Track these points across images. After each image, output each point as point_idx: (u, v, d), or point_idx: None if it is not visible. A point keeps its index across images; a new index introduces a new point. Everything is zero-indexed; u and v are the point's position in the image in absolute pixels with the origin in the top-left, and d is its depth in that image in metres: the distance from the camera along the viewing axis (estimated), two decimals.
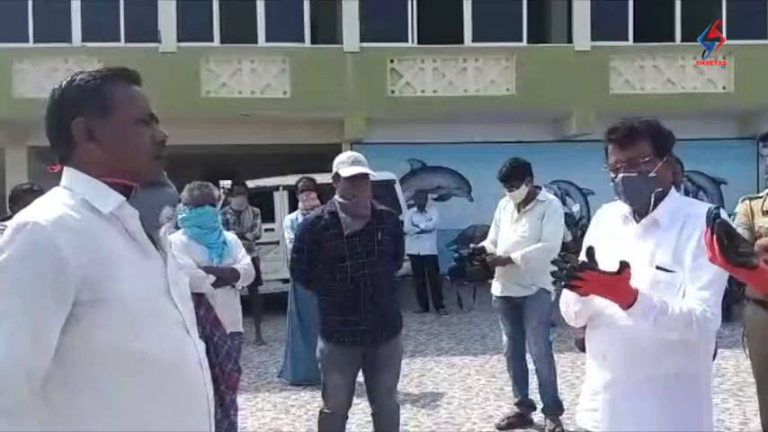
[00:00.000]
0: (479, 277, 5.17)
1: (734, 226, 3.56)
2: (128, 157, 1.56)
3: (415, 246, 9.97)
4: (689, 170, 9.02)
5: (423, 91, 12.75)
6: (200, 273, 3.93)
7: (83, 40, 12.61)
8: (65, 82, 1.58)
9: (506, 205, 5.15)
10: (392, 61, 12.71)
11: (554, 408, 4.99)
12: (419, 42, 13.12)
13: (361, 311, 3.71)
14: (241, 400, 4.78)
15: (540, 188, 5.11)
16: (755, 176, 13.27)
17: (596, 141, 2.43)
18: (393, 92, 12.69)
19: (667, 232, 2.22)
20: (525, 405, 5.19)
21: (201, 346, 1.65)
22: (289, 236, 6.54)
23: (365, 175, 3.74)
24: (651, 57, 13.02)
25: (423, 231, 10.34)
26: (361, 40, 12.57)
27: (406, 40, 13.20)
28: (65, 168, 1.57)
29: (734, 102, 12.82)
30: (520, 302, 5.00)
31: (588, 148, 10.95)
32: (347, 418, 3.94)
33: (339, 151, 6.42)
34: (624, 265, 2.02)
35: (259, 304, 8.51)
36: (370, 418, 4.06)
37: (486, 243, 5.19)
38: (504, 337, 5.25)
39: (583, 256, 2.13)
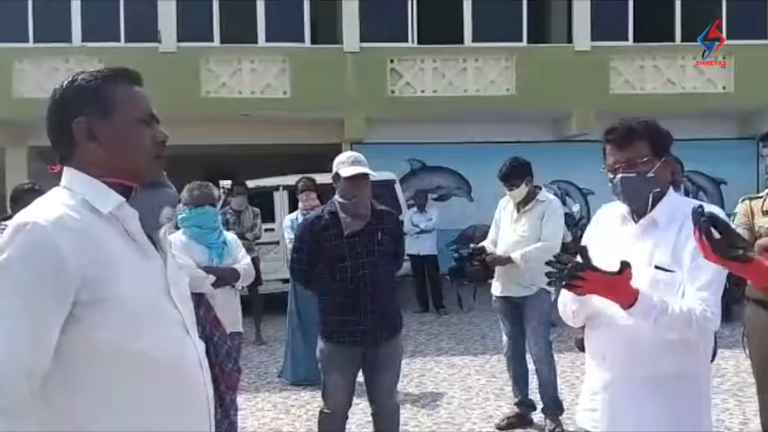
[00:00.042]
0: (479, 277, 5.18)
1: (734, 226, 3.57)
2: (128, 157, 1.56)
3: (414, 246, 9.97)
4: (689, 170, 9.02)
5: (423, 91, 12.75)
6: (200, 273, 3.93)
7: (83, 40, 12.61)
8: (66, 82, 1.59)
9: (506, 205, 5.16)
10: (392, 61, 12.72)
11: (554, 408, 4.99)
12: (419, 42, 13.12)
13: (361, 311, 3.71)
14: (241, 400, 4.78)
15: (540, 188, 5.11)
16: (755, 176, 13.27)
17: (596, 141, 2.44)
18: (393, 92, 12.69)
19: (666, 232, 2.22)
20: (525, 405, 5.20)
21: (201, 346, 1.65)
22: (288, 236, 6.54)
23: (365, 175, 3.74)
24: (651, 57, 13.02)
25: (423, 231, 10.35)
26: (361, 40, 12.57)
27: (406, 40, 13.21)
28: (65, 168, 1.57)
29: (734, 102, 12.82)
30: (520, 302, 5.00)
31: (588, 148, 10.94)
32: (347, 418, 3.94)
33: (339, 151, 6.42)
34: (625, 265, 2.02)
35: (259, 304, 8.51)
36: (370, 418, 4.06)
37: (485, 243, 5.19)
38: (504, 337, 5.25)
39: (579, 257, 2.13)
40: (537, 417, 5.16)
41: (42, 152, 11.27)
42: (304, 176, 7.09)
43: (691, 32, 12.26)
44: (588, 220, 3.29)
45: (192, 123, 10.82)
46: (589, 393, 2.37)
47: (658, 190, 2.26)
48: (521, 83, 12.60)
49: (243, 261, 4.29)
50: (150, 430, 1.50)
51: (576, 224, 10.37)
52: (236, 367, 3.99)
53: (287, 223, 6.89)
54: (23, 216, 1.45)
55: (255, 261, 6.97)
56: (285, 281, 7.67)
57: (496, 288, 5.12)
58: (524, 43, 13.30)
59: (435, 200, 13.01)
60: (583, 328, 2.44)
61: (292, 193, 8.64)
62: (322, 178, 6.69)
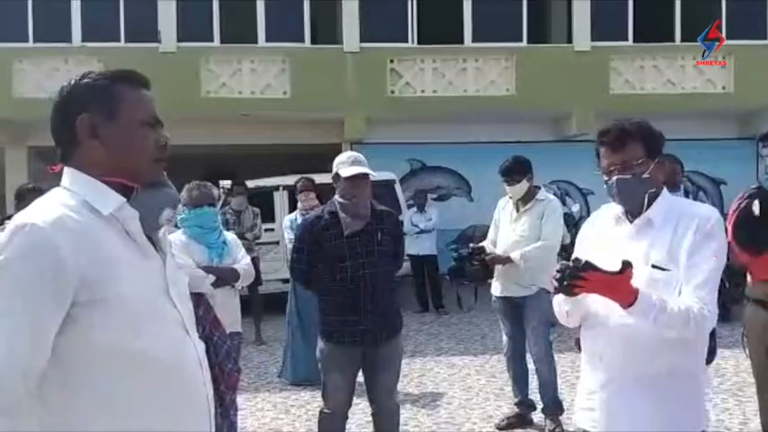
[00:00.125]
0: (479, 277, 5.18)
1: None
2: (130, 158, 1.57)
3: (414, 246, 9.97)
4: (689, 170, 9.03)
5: (423, 91, 12.75)
6: (199, 272, 3.93)
7: (83, 40, 12.62)
8: (74, 79, 1.59)
9: (505, 205, 5.16)
10: (392, 61, 12.72)
11: (554, 408, 4.99)
12: (419, 42, 13.12)
13: (361, 311, 3.71)
14: (241, 400, 4.78)
15: (540, 188, 5.12)
16: (755, 177, 13.17)
17: (596, 142, 2.44)
18: (393, 92, 12.69)
19: (661, 232, 2.24)
20: (525, 405, 5.20)
21: (201, 346, 1.65)
22: (288, 236, 6.54)
23: (365, 175, 3.74)
24: (651, 57, 13.02)
25: (422, 231, 10.35)
26: (361, 40, 12.58)
27: (406, 41, 13.21)
28: (65, 168, 1.57)
29: (734, 102, 12.82)
30: (520, 302, 5.00)
31: (588, 148, 10.83)
32: (347, 418, 3.94)
33: (339, 151, 6.42)
34: (626, 265, 2.03)
35: (259, 304, 8.51)
36: (370, 418, 4.06)
37: (485, 243, 5.20)
38: (504, 338, 5.25)
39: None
40: (537, 417, 5.16)
41: (42, 152, 11.27)
42: (303, 176, 7.09)
43: (691, 32, 12.27)
44: None
45: (192, 123, 10.82)
46: (586, 393, 2.37)
47: (653, 190, 2.28)
48: (521, 83, 12.60)
49: (243, 261, 4.29)
50: (150, 430, 1.50)
51: (576, 224, 10.37)
52: (236, 367, 3.99)
53: (286, 223, 6.89)
54: (22, 217, 1.45)
55: (255, 261, 6.97)
56: (285, 281, 7.66)
57: (496, 288, 5.12)
58: (524, 43, 13.30)
59: (435, 200, 13.01)
60: (579, 328, 2.45)
61: (292, 193, 8.63)
62: (322, 178, 6.69)
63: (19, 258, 1.40)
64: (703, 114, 13.00)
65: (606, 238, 2.34)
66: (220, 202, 8.01)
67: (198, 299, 3.61)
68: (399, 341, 3.97)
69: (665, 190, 2.34)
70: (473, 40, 13.17)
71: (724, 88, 12.96)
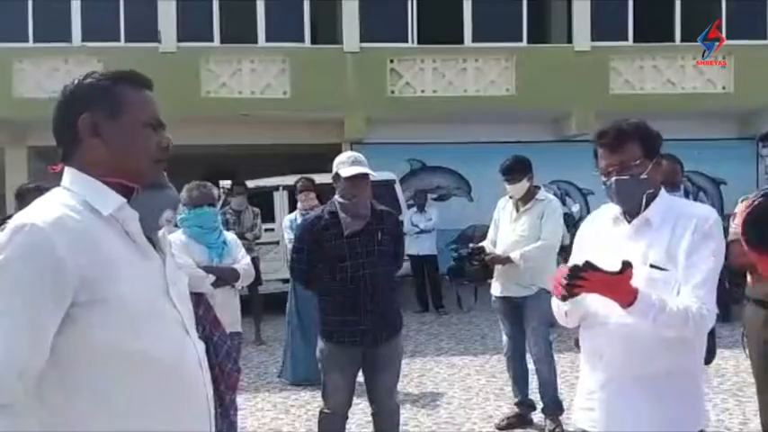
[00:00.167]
0: (479, 277, 5.18)
1: (733, 226, 3.58)
2: (131, 158, 1.57)
3: (414, 246, 9.97)
4: (689, 170, 9.01)
5: (423, 91, 12.76)
6: (199, 272, 3.93)
7: (83, 40, 12.62)
8: (77, 79, 1.60)
9: (505, 205, 5.16)
10: (392, 61, 12.72)
11: (554, 408, 4.99)
12: (419, 42, 13.12)
13: (361, 311, 3.71)
14: (241, 400, 4.78)
15: (539, 188, 5.12)
16: (755, 177, 13.27)
17: (594, 142, 2.45)
18: (393, 92, 12.70)
19: (659, 232, 2.25)
20: (525, 405, 5.20)
21: (201, 346, 1.65)
22: (288, 236, 6.54)
23: (365, 175, 3.75)
24: (651, 57, 13.02)
25: (422, 231, 10.35)
26: (361, 40, 12.58)
27: (406, 41, 13.21)
28: (66, 168, 1.57)
29: (734, 102, 12.82)
30: (519, 302, 5.00)
31: (588, 148, 10.81)
32: (347, 418, 3.94)
33: (339, 151, 6.42)
34: (627, 265, 2.04)
35: (259, 304, 8.52)
36: (370, 418, 4.06)
37: (485, 243, 5.20)
38: (504, 338, 5.25)
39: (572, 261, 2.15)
40: (537, 417, 5.17)
41: (42, 152, 11.28)
42: (303, 177, 7.09)
43: (691, 32, 12.28)
44: None
45: (192, 123, 10.81)
46: (585, 393, 2.38)
47: (651, 191, 2.29)
48: (521, 83, 12.61)
49: (243, 261, 4.29)
50: (150, 430, 1.50)
51: (576, 224, 10.36)
52: (236, 367, 3.99)
53: (286, 223, 6.89)
54: (22, 217, 1.45)
55: (255, 261, 6.97)
56: (285, 281, 7.67)
57: (496, 288, 5.12)
58: (524, 43, 13.30)
59: (435, 200, 13.01)
60: (578, 328, 2.45)
61: (292, 193, 8.63)
62: (322, 178, 6.69)
63: (18, 258, 1.40)
64: (703, 114, 13.00)
65: (604, 238, 2.35)
66: (220, 202, 8.01)
67: (198, 299, 3.61)
68: (399, 341, 3.97)
69: (662, 190, 2.35)
70: (473, 40, 13.17)
71: (724, 88, 12.96)
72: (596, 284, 2.06)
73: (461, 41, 13.16)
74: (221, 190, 9.97)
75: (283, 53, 12.62)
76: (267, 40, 12.92)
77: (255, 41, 12.89)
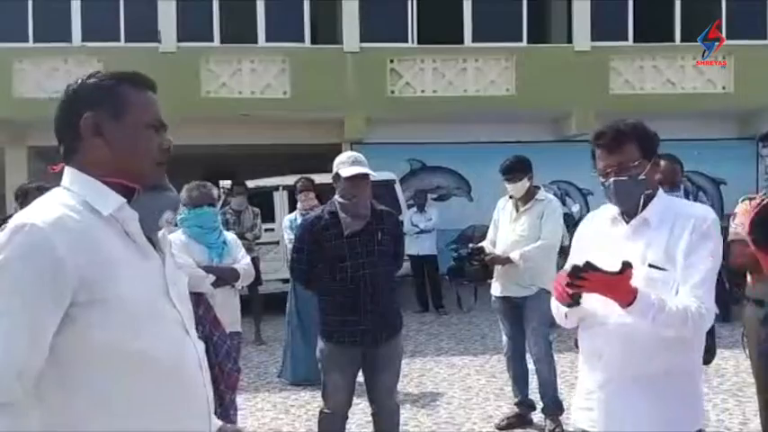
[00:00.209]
0: (478, 277, 5.18)
1: (733, 226, 3.58)
2: (133, 159, 1.57)
3: (414, 246, 9.97)
4: (689, 170, 9.01)
5: (423, 91, 12.76)
6: (199, 272, 3.93)
7: (83, 40, 12.62)
8: (81, 79, 1.59)
9: (505, 205, 5.16)
10: (392, 61, 12.72)
11: (554, 408, 4.99)
12: (419, 42, 13.12)
13: (361, 311, 3.71)
14: (241, 400, 4.79)
15: (539, 188, 5.12)
16: (755, 177, 13.27)
17: (591, 143, 2.45)
18: (393, 92, 12.70)
19: (657, 232, 2.26)
20: (525, 405, 5.20)
21: (201, 346, 1.65)
22: (288, 236, 6.54)
23: (365, 175, 3.75)
24: (651, 57, 13.03)
25: (422, 231, 10.35)
26: (361, 40, 12.58)
27: (406, 40, 13.21)
28: (66, 168, 1.57)
29: (734, 102, 12.83)
30: (519, 303, 5.00)
31: (588, 148, 10.87)
32: (347, 418, 3.95)
33: (339, 151, 6.42)
34: (627, 266, 2.05)
35: (259, 304, 8.52)
36: (370, 418, 4.06)
37: (485, 243, 5.20)
38: (504, 338, 5.25)
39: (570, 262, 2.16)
40: (537, 417, 5.17)
41: (42, 152, 11.27)
42: (302, 177, 7.09)
43: (691, 32, 12.27)
44: None
45: (192, 123, 10.81)
46: (584, 393, 2.39)
47: (650, 191, 2.30)
48: (521, 83, 12.61)
49: (243, 261, 4.29)
50: (149, 430, 1.50)
51: (576, 224, 10.35)
52: (236, 367, 3.99)
53: (286, 223, 6.89)
54: (21, 217, 1.45)
55: (255, 261, 6.97)
56: (285, 281, 7.67)
57: (496, 288, 5.12)
58: (524, 43, 13.30)
59: (435, 200, 13.01)
60: (577, 328, 2.46)
61: (292, 193, 8.64)
62: (322, 178, 6.69)
63: (18, 258, 1.40)
64: (703, 114, 13.01)
65: (603, 238, 2.36)
66: (220, 202, 8.01)
67: (198, 298, 3.61)
68: (399, 341, 3.97)
69: (660, 190, 2.36)
70: (473, 40, 13.17)
71: (724, 88, 12.96)
72: (596, 284, 2.07)
73: (461, 41, 13.16)
74: (221, 190, 9.97)
75: (283, 53, 12.62)
76: (267, 40, 12.92)
77: (255, 41, 12.89)
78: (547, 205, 4.99)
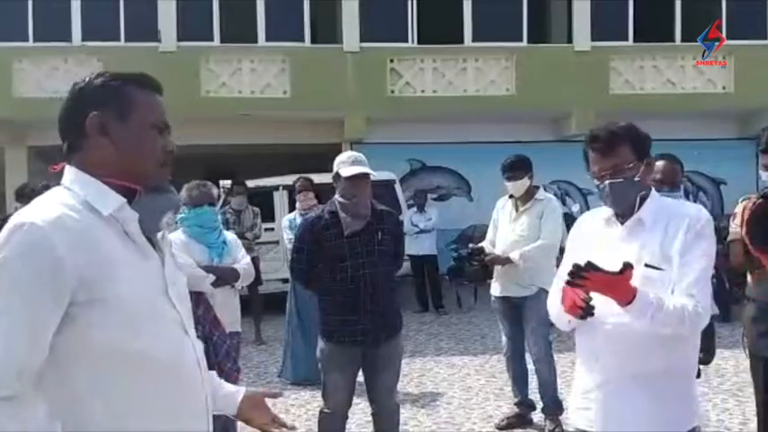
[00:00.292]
0: (478, 277, 5.18)
1: (733, 226, 3.58)
2: (137, 159, 1.57)
3: (414, 246, 9.96)
4: (689, 170, 9.00)
5: (423, 91, 12.76)
6: (199, 272, 3.93)
7: (83, 40, 12.61)
8: (87, 78, 1.60)
9: (504, 205, 5.16)
10: (392, 61, 12.72)
11: (554, 408, 4.99)
12: (419, 42, 13.12)
13: (361, 311, 3.71)
14: None
15: (539, 187, 5.12)
16: (755, 177, 13.25)
17: (585, 145, 2.45)
18: (393, 92, 12.70)
19: (652, 232, 2.28)
20: (525, 405, 5.20)
21: (200, 346, 1.66)
22: (287, 236, 6.54)
23: (365, 175, 3.75)
24: (651, 57, 13.02)
25: (422, 231, 10.35)
26: (361, 40, 12.57)
27: (406, 40, 13.21)
28: (67, 167, 1.57)
29: (734, 102, 12.82)
30: (519, 303, 5.00)
31: None
32: (347, 417, 3.95)
33: (339, 151, 6.41)
34: (627, 266, 2.07)
35: (259, 304, 8.52)
36: (370, 418, 4.07)
37: (484, 243, 5.20)
38: (504, 338, 5.25)
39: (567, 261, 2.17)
40: (537, 417, 5.17)
41: (42, 152, 11.27)
42: (301, 176, 7.09)
43: (691, 32, 12.27)
44: None
45: (192, 123, 10.77)
46: (581, 393, 2.40)
47: (644, 192, 2.32)
48: (521, 83, 12.61)
49: (243, 261, 4.29)
50: (148, 430, 1.50)
51: None
52: (236, 367, 3.99)
53: (285, 223, 6.89)
54: (21, 216, 1.45)
55: (255, 261, 6.97)
56: (285, 281, 7.67)
57: (495, 288, 5.12)
58: (524, 43, 13.30)
59: (435, 200, 13.00)
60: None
61: (292, 192, 8.63)
62: (321, 178, 6.68)
63: (17, 257, 1.40)
64: (703, 114, 13.00)
65: (598, 239, 2.37)
66: (220, 202, 8.01)
67: (198, 298, 3.61)
68: (399, 341, 3.97)
69: (653, 191, 2.38)
70: (473, 40, 13.17)
71: (724, 88, 12.96)
72: (597, 284, 2.09)
73: (461, 41, 13.16)
74: (221, 190, 9.95)
75: (283, 53, 12.62)
76: (267, 39, 12.91)
77: (255, 41, 12.88)
78: (546, 205, 4.99)
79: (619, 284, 2.09)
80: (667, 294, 2.18)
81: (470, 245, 5.30)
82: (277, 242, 9.67)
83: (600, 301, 2.16)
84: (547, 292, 5.02)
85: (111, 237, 1.50)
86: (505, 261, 4.93)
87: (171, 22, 12.36)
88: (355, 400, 4.02)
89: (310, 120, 12.69)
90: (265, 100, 12.39)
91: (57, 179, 1.60)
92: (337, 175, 3.78)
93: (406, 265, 8.87)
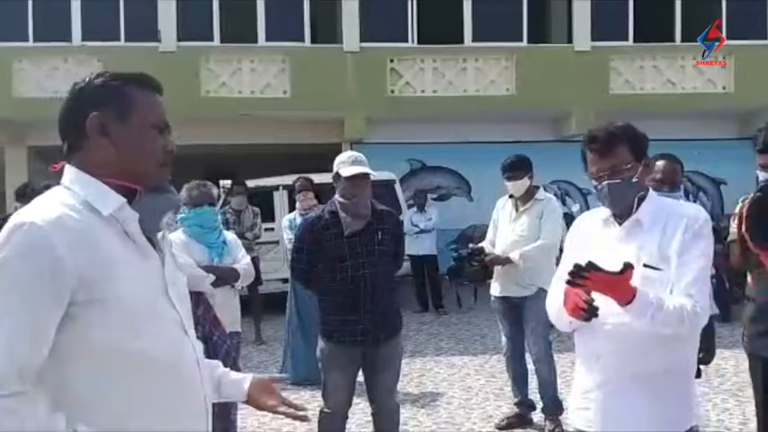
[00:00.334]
0: (478, 278, 5.18)
1: (733, 226, 3.58)
2: (138, 159, 1.57)
3: (414, 246, 9.95)
4: (689, 170, 8.99)
5: (423, 91, 12.75)
6: (199, 272, 3.93)
7: (83, 40, 12.61)
8: (87, 78, 1.60)
9: (504, 205, 5.16)
10: (392, 61, 12.72)
11: (554, 408, 4.99)
12: (419, 42, 13.12)
13: (361, 311, 3.71)
14: None
15: (539, 187, 5.12)
16: (755, 177, 13.25)
17: (583, 146, 2.45)
18: (393, 92, 12.69)
19: (650, 233, 2.28)
20: (525, 405, 5.20)
21: (199, 346, 1.66)
22: (287, 236, 6.54)
23: (365, 175, 3.75)
24: (651, 57, 13.02)
25: (422, 231, 10.35)
26: (361, 40, 12.57)
27: (406, 40, 13.20)
28: (67, 167, 1.57)
29: (734, 102, 12.82)
30: (519, 303, 4.99)
31: None
32: (347, 417, 3.95)
33: (339, 151, 6.41)
34: (627, 266, 2.08)
35: (259, 304, 8.52)
36: (370, 418, 4.06)
37: (484, 244, 5.20)
38: (504, 338, 5.25)
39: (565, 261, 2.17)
40: (537, 417, 5.17)
41: (42, 152, 11.27)
42: (301, 176, 7.09)
43: (691, 32, 12.27)
44: None
45: (192, 123, 10.77)
46: (581, 393, 2.40)
47: (642, 193, 2.33)
48: (521, 83, 12.60)
49: (243, 261, 4.29)
50: (148, 430, 1.50)
51: None
52: (236, 367, 3.99)
53: (285, 223, 6.89)
54: (21, 216, 1.45)
55: (255, 261, 6.96)
56: (285, 281, 7.66)
57: (495, 288, 5.12)
58: (524, 43, 13.30)
59: (435, 200, 13.00)
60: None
61: (292, 192, 8.63)
62: (321, 178, 6.68)
63: (17, 257, 1.40)
64: (703, 114, 13.00)
65: (596, 239, 2.38)
66: (220, 202, 8.01)
67: (198, 298, 3.61)
68: (399, 341, 3.97)
69: (651, 191, 2.39)
70: (473, 40, 13.17)
71: (724, 88, 12.96)
72: (598, 284, 2.10)
73: (461, 41, 13.15)
74: (221, 189, 9.96)
75: (283, 53, 12.61)
76: (267, 39, 12.91)
77: (255, 41, 12.88)
78: (546, 205, 4.99)
79: (619, 284, 2.09)
80: (666, 294, 2.19)
81: (470, 245, 5.30)
82: (277, 242, 9.67)
83: (600, 301, 2.16)
84: (546, 292, 5.04)
85: (111, 237, 1.50)
86: (505, 261, 4.93)
87: (171, 22, 12.36)
88: (355, 400, 4.02)
89: (310, 120, 12.69)
90: (265, 100, 12.39)
91: (57, 179, 1.60)
92: (337, 175, 3.78)
93: (406, 265, 8.87)
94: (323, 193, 5.96)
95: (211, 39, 12.89)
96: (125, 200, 1.54)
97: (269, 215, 10.03)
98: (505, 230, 5.06)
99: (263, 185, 10.51)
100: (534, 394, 5.18)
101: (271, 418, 5.55)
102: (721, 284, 7.49)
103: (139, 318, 1.49)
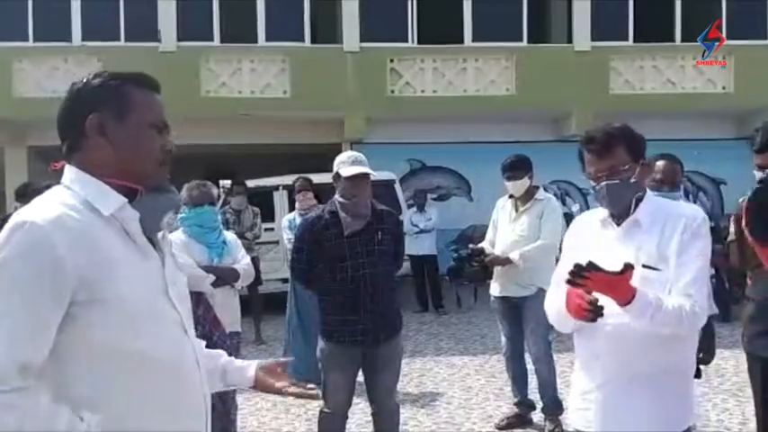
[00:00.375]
0: (478, 278, 5.18)
1: (733, 226, 3.57)
2: (136, 159, 1.57)
3: (414, 246, 9.95)
4: (689, 170, 9.00)
5: (423, 91, 12.76)
6: (199, 272, 3.93)
7: (83, 40, 12.61)
8: (85, 78, 1.60)
9: (504, 205, 5.16)
10: (392, 61, 12.72)
11: (553, 408, 4.99)
12: (419, 42, 13.12)
13: (361, 311, 3.71)
14: (241, 399, 4.78)
15: (539, 188, 5.12)
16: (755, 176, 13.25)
17: (581, 146, 2.46)
18: (393, 92, 12.70)
19: (648, 233, 2.29)
20: (525, 405, 5.20)
21: (200, 345, 1.66)
22: (287, 236, 6.54)
23: (365, 175, 3.75)
24: (651, 57, 13.02)
25: (422, 231, 10.35)
26: (361, 40, 12.58)
27: (406, 40, 13.21)
28: (67, 167, 1.57)
29: (733, 102, 12.82)
30: (518, 303, 4.99)
31: None
32: (347, 417, 3.95)
33: (339, 151, 6.41)
34: (628, 266, 2.08)
35: (259, 304, 8.52)
36: (370, 418, 4.07)
37: (484, 244, 5.20)
38: (503, 338, 5.25)
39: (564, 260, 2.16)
40: (536, 417, 5.17)
41: (42, 152, 11.27)
42: (300, 176, 7.08)
43: (691, 32, 12.27)
44: None
45: (191, 123, 10.79)
46: (580, 393, 2.41)
47: (640, 194, 2.33)
48: (521, 83, 12.61)
49: (242, 261, 4.29)
50: (147, 430, 1.50)
51: None
52: None
53: (284, 223, 6.89)
54: (21, 215, 1.45)
55: (255, 261, 6.97)
56: (285, 281, 7.66)
57: (495, 288, 5.12)
58: (524, 43, 13.30)
59: (435, 200, 13.00)
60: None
61: (292, 192, 8.63)
62: (321, 178, 6.68)
63: (17, 257, 1.40)
64: (703, 114, 13.00)
65: (594, 240, 2.38)
66: (220, 202, 8.01)
67: (198, 298, 3.61)
68: (399, 341, 3.97)
69: (648, 192, 2.40)
70: (473, 40, 13.17)
71: (724, 88, 12.96)
72: (598, 284, 2.10)
73: (461, 41, 13.16)
74: (221, 189, 9.96)
75: (283, 53, 12.62)
76: (267, 39, 12.91)
77: (255, 41, 12.89)
78: (546, 205, 4.99)
79: (619, 284, 2.09)
80: (665, 294, 2.19)
81: (470, 245, 5.30)
82: (277, 242, 9.66)
83: (600, 301, 2.16)
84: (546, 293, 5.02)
85: (111, 237, 1.51)
86: (505, 261, 4.93)
87: (171, 22, 12.36)
88: (355, 400, 4.02)
89: (310, 120, 12.69)
90: (265, 100, 12.39)
91: (57, 178, 1.60)
92: (337, 175, 3.78)
93: (406, 265, 8.87)
94: (323, 193, 5.96)
95: (211, 39, 12.90)
96: (126, 200, 1.54)
97: (269, 215, 10.03)
98: (505, 230, 5.06)
99: (263, 185, 10.51)
100: (534, 394, 5.18)
101: (271, 419, 5.55)
102: (721, 284, 7.49)
103: (140, 318, 1.49)
